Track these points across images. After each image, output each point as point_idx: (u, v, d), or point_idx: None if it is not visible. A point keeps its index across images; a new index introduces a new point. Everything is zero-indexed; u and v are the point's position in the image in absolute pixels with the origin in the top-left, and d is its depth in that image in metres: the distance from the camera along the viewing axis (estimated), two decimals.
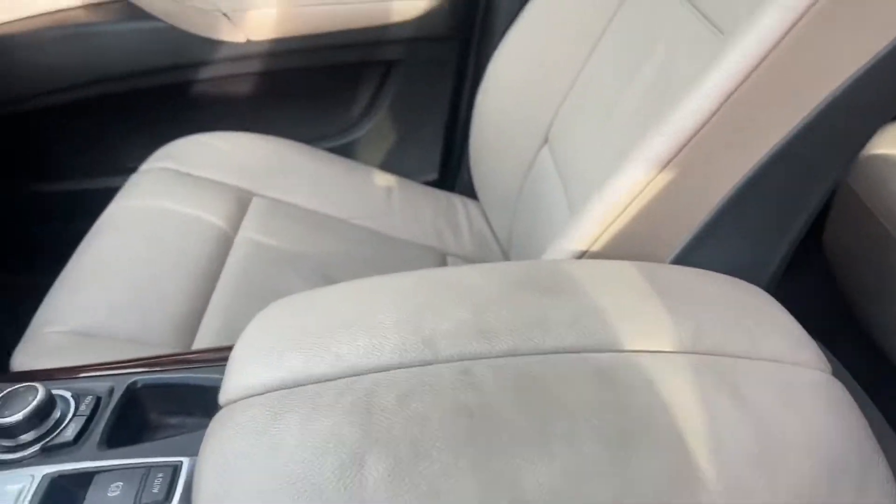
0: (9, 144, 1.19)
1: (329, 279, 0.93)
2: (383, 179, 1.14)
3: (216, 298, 0.85)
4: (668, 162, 0.56)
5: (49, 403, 0.53)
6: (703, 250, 0.61)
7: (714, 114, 0.54)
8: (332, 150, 1.19)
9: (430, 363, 0.46)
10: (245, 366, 0.49)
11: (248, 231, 0.96)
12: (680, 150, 0.56)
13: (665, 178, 0.57)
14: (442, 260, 1.07)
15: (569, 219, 0.83)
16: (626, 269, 0.54)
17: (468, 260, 1.09)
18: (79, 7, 1.12)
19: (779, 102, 0.55)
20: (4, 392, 0.53)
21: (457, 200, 1.17)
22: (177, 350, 0.77)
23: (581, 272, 0.53)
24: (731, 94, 0.54)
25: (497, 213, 1.10)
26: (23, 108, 1.14)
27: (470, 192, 1.18)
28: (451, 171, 1.33)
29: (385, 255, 1.03)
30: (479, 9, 1.16)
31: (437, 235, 1.09)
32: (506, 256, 1.10)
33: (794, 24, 0.52)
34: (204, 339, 0.80)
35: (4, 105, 1.14)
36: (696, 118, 0.55)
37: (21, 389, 0.53)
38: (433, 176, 1.32)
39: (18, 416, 0.51)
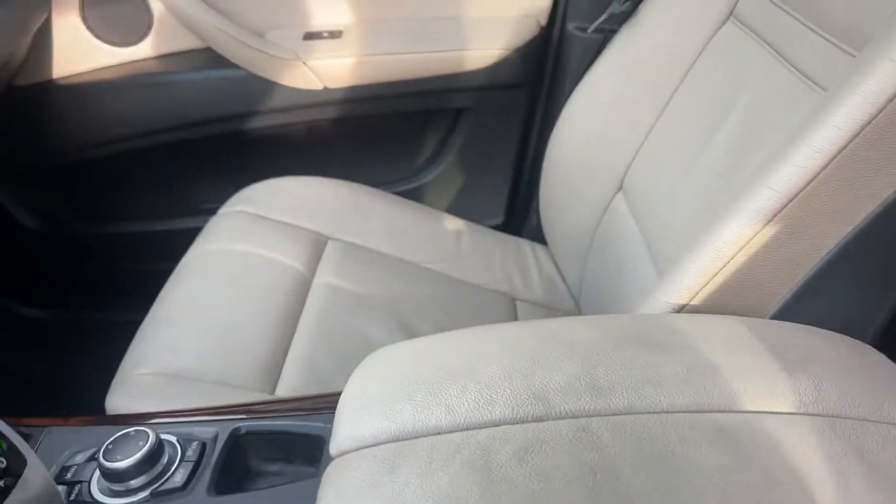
0: (92, 187, 1.23)
1: (404, 323, 0.94)
2: (452, 223, 1.15)
3: (297, 342, 0.87)
4: (774, 216, 0.56)
5: (158, 449, 0.54)
6: (806, 305, 0.60)
7: (822, 170, 0.54)
8: (400, 195, 1.21)
9: (543, 419, 0.46)
10: (354, 416, 0.49)
11: (325, 275, 0.98)
12: (786, 205, 0.55)
13: (769, 232, 0.56)
14: (512, 305, 1.07)
15: (651, 267, 0.83)
16: (734, 326, 0.53)
17: (538, 305, 1.09)
18: (163, 55, 1.17)
19: (888, 159, 0.54)
20: (115, 436, 0.54)
21: (525, 245, 1.17)
22: (263, 392, 0.78)
23: (689, 328, 0.53)
24: (841, 150, 0.53)
25: (567, 259, 1.10)
26: (107, 152, 1.18)
27: (536, 236, 1.19)
28: (516, 216, 1.34)
29: (456, 299, 1.03)
30: (549, 56, 1.18)
31: (506, 280, 1.10)
32: (576, 301, 1.10)
33: None
34: (288, 383, 0.81)
35: (88, 149, 1.19)
36: (803, 174, 0.54)
37: (131, 434, 0.54)
38: (498, 221, 1.33)
39: (130, 462, 0.52)
